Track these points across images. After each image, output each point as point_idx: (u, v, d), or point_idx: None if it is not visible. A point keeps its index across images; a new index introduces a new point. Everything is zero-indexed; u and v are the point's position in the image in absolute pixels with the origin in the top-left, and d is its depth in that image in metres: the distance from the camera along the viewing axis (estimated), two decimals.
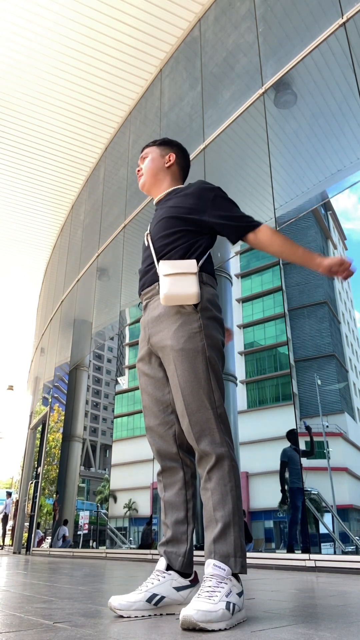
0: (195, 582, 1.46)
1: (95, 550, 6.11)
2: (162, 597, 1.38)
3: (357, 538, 3.02)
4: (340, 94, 3.86)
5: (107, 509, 5.99)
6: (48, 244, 11.70)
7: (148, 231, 1.69)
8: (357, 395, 3.32)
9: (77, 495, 7.28)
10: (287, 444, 3.54)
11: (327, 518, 3.23)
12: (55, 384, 9.43)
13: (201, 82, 5.81)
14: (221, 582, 1.24)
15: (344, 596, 1.77)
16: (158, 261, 1.56)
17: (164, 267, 1.49)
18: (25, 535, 9.99)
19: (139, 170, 1.81)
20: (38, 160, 8.81)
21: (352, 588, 2.06)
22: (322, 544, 3.20)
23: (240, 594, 1.25)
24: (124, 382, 6.67)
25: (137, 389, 6.30)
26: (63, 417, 8.64)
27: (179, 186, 1.76)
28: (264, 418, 4.03)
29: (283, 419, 3.63)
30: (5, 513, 14.16)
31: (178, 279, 1.45)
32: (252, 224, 1.55)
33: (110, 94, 7.47)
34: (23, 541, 10.17)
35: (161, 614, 1.37)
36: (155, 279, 1.58)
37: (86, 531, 6.71)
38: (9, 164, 8.87)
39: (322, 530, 3.23)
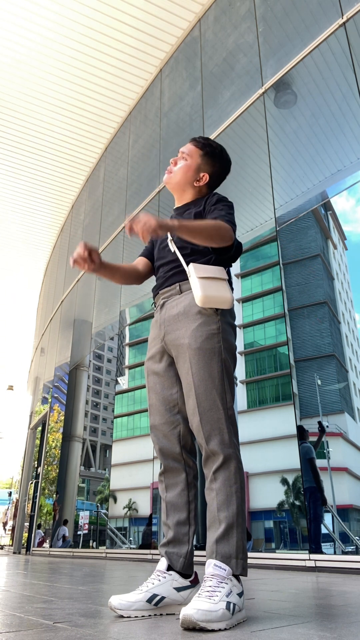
0: (195, 582, 1.46)
1: (95, 550, 6.11)
2: (163, 598, 1.38)
3: (357, 538, 3.02)
4: (340, 94, 3.86)
5: (107, 509, 5.99)
6: (48, 244, 11.70)
7: (169, 235, 1.65)
8: (357, 395, 3.32)
9: (77, 495, 7.28)
10: (287, 444, 3.53)
11: (327, 518, 3.23)
12: (55, 384, 9.43)
13: (201, 82, 5.81)
14: (222, 582, 1.24)
15: (344, 596, 1.77)
16: (187, 264, 1.54)
17: (198, 270, 1.48)
18: (26, 535, 10.00)
19: (172, 163, 1.74)
20: (38, 160, 8.81)
21: (352, 588, 2.06)
22: (322, 544, 3.20)
23: (240, 594, 1.25)
24: (124, 382, 6.67)
25: (137, 389, 6.29)
26: (63, 417, 8.64)
27: (199, 198, 1.72)
28: (264, 418, 4.03)
29: (283, 419, 3.63)
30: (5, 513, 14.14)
31: (213, 283, 1.47)
32: (221, 217, 1.52)
33: (110, 94, 7.47)
34: (23, 541, 10.17)
35: (161, 614, 1.36)
36: (176, 279, 1.58)
37: (86, 531, 6.71)
38: (9, 164, 8.87)
39: (322, 530, 3.23)
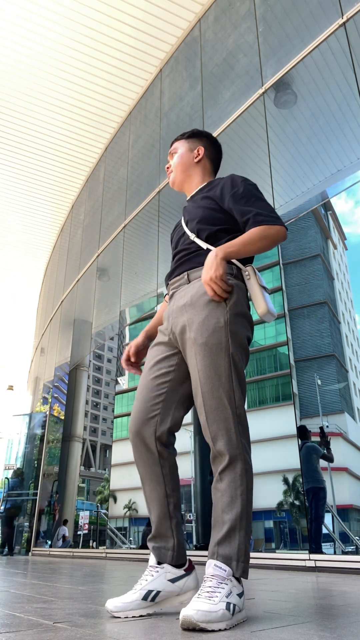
0: (190, 569, 1.44)
1: (95, 550, 6.11)
2: (158, 592, 1.36)
3: (357, 538, 3.02)
4: (340, 94, 3.86)
5: (107, 509, 5.99)
6: (48, 244, 11.70)
7: (183, 223, 1.63)
8: (357, 395, 3.32)
9: (77, 495, 7.28)
10: (287, 444, 3.53)
11: (327, 518, 3.23)
12: (55, 384, 9.43)
13: (201, 82, 5.81)
14: (222, 583, 1.23)
15: (344, 596, 1.77)
16: (212, 245, 1.51)
17: (259, 277, 1.49)
18: (26, 535, 9.99)
19: (168, 167, 1.75)
20: (38, 160, 8.81)
21: (352, 588, 2.06)
22: (322, 544, 3.20)
23: (240, 595, 1.25)
24: (124, 382, 6.67)
25: (137, 389, 6.30)
26: (63, 417, 8.64)
27: (211, 180, 1.70)
28: (264, 418, 4.03)
29: (283, 419, 3.63)
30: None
31: (266, 294, 1.48)
32: (256, 220, 1.47)
33: (110, 94, 7.47)
34: (23, 541, 10.16)
35: (160, 609, 1.37)
36: (185, 268, 1.53)
37: (86, 531, 6.71)
38: (9, 164, 8.87)
39: (322, 530, 3.23)
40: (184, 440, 4.66)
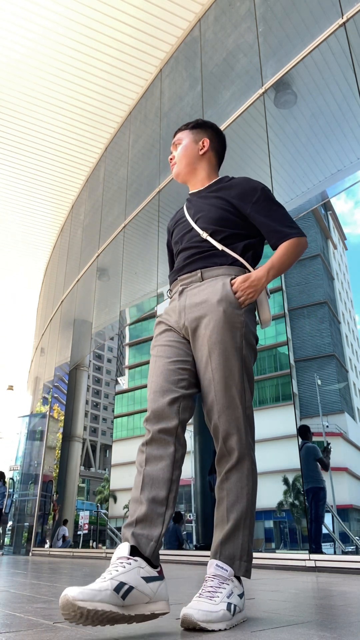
0: (162, 575, 1.19)
1: (95, 550, 6.11)
2: (131, 588, 1.07)
3: (357, 538, 3.02)
4: (340, 94, 3.86)
5: (107, 509, 5.98)
6: (48, 244, 11.70)
7: (188, 217, 1.60)
8: (357, 395, 3.32)
9: (77, 495, 7.28)
10: (287, 444, 3.53)
11: (327, 518, 3.23)
12: (55, 384, 9.43)
13: (201, 82, 5.81)
14: (223, 583, 1.23)
15: (344, 596, 1.77)
16: (227, 247, 1.52)
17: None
18: (25, 535, 9.99)
19: (171, 159, 1.71)
20: (38, 160, 8.81)
21: (352, 588, 2.06)
22: (322, 544, 3.19)
23: (241, 595, 1.25)
24: (124, 382, 6.67)
25: (137, 389, 6.30)
26: (63, 417, 8.64)
27: (222, 177, 1.68)
28: (264, 418, 4.03)
29: (283, 419, 3.63)
30: (5, 513, 14.15)
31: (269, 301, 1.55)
32: (284, 234, 1.50)
33: (110, 94, 7.47)
34: (23, 541, 10.17)
35: (130, 615, 1.06)
36: (198, 266, 1.50)
37: (86, 531, 6.71)
38: (9, 164, 8.87)
39: (322, 530, 3.23)
40: None
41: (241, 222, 1.54)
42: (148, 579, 1.12)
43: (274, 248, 1.51)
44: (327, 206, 3.85)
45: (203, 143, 1.69)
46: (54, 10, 6.19)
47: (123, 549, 1.15)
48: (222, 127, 5.20)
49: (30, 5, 6.14)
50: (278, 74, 4.55)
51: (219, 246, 1.50)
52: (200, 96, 5.77)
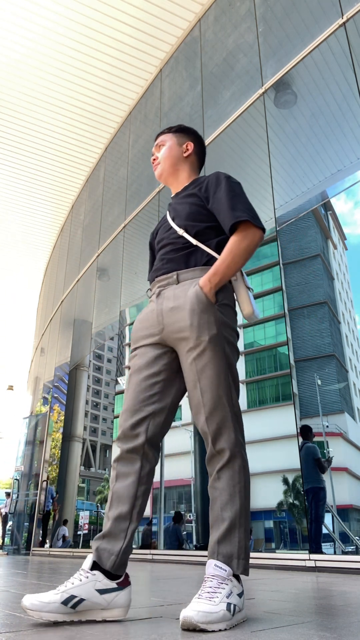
0: (124, 585, 1.31)
1: None
2: (81, 600, 1.22)
3: (357, 538, 3.02)
4: (340, 94, 3.86)
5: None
6: (48, 244, 11.70)
7: (169, 218, 1.62)
8: (357, 395, 3.32)
9: (77, 495, 7.28)
10: (287, 443, 3.54)
11: (327, 518, 3.23)
12: (55, 384, 9.43)
13: (201, 82, 5.81)
14: (222, 583, 1.23)
15: (344, 596, 1.77)
16: (201, 242, 1.53)
17: (246, 278, 1.54)
18: (25, 535, 9.99)
19: (154, 160, 1.75)
20: (38, 160, 8.81)
21: (352, 588, 2.06)
22: (322, 544, 3.20)
23: (240, 595, 1.25)
24: (124, 382, 6.67)
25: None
26: (63, 417, 8.64)
27: (198, 177, 1.71)
28: (264, 418, 4.03)
29: (283, 419, 3.63)
30: (5, 513, 14.16)
31: (252, 295, 1.54)
32: (234, 217, 1.45)
33: (110, 94, 7.47)
34: (23, 541, 10.16)
35: (79, 620, 1.23)
36: (174, 267, 1.52)
37: (86, 531, 6.71)
38: (9, 164, 8.87)
39: (322, 530, 3.23)
40: (184, 440, 4.66)
41: (212, 215, 1.55)
42: (103, 591, 1.26)
43: (230, 234, 1.48)
44: (327, 206, 3.85)
45: (187, 146, 1.74)
46: (54, 10, 6.19)
47: (87, 562, 1.31)
48: (222, 127, 5.21)
49: (30, 5, 6.14)
50: (278, 74, 4.55)
51: (194, 241, 1.52)
52: (200, 96, 5.77)
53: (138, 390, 1.46)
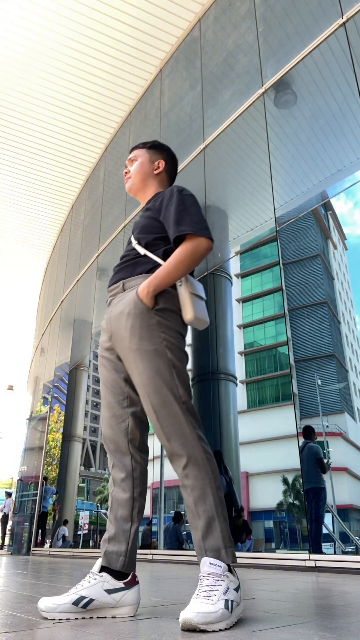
0: (131, 584, 1.40)
1: (95, 550, 6.11)
2: (91, 600, 1.34)
3: (357, 538, 3.02)
4: (340, 94, 3.86)
5: (107, 509, 5.98)
6: (48, 244, 11.70)
7: (132, 232, 1.70)
8: (357, 395, 3.32)
9: (77, 495, 7.28)
10: (287, 443, 3.53)
11: (327, 518, 3.23)
12: (55, 384, 9.43)
13: (201, 82, 5.81)
14: (218, 580, 1.24)
15: (344, 596, 1.77)
16: (151, 252, 1.59)
17: (193, 285, 1.55)
18: (25, 535, 9.99)
19: (126, 172, 1.81)
20: (38, 160, 8.81)
21: (352, 588, 2.06)
22: (322, 544, 3.19)
23: (237, 589, 1.26)
24: None
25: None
26: (63, 417, 8.64)
27: (159, 192, 1.74)
28: (264, 418, 4.03)
29: (283, 419, 3.63)
30: (5, 513, 14.16)
31: (200, 302, 1.55)
32: (180, 231, 1.48)
33: (110, 94, 7.47)
34: (23, 541, 10.16)
35: (90, 617, 1.33)
36: (121, 276, 1.58)
37: (86, 531, 6.71)
38: (9, 164, 8.87)
39: (323, 530, 3.23)
40: None
41: (162, 226, 1.60)
42: (111, 591, 1.36)
43: (175, 247, 1.52)
44: (327, 206, 3.85)
45: (158, 164, 1.80)
46: (54, 10, 6.19)
47: (96, 565, 1.41)
48: (222, 127, 5.21)
49: (30, 5, 6.14)
50: (278, 74, 4.55)
51: (142, 251, 1.57)
52: (200, 96, 5.77)
53: (108, 398, 1.55)
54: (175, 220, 1.51)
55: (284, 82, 4.52)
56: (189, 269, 1.48)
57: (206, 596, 1.18)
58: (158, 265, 1.54)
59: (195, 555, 1.54)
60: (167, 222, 1.55)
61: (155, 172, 1.78)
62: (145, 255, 1.56)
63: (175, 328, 1.49)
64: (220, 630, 1.13)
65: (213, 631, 1.12)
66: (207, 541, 1.30)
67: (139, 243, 1.59)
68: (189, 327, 3.74)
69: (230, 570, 1.28)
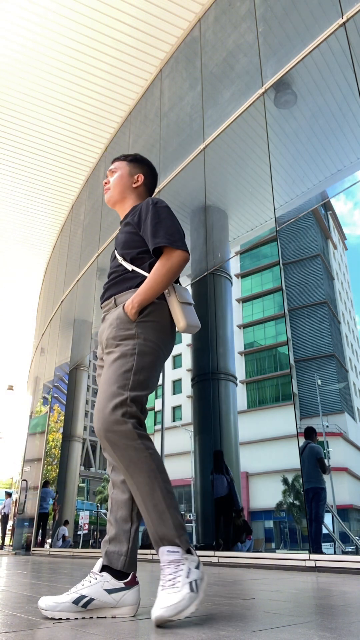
0: (131, 584, 1.40)
1: (95, 550, 6.11)
2: (91, 600, 1.34)
3: (357, 538, 3.02)
4: (340, 94, 3.86)
5: (107, 509, 5.98)
6: (48, 244, 11.70)
7: (114, 248, 1.72)
8: (357, 395, 3.32)
9: (77, 495, 7.28)
10: (287, 444, 3.54)
11: (327, 518, 3.23)
12: (55, 384, 9.43)
13: (201, 82, 5.81)
14: (179, 565, 1.25)
15: (344, 596, 1.77)
16: (137, 266, 1.62)
17: (180, 293, 1.58)
18: (26, 535, 9.99)
19: (106, 183, 1.83)
20: (38, 160, 8.81)
21: (352, 588, 2.06)
22: (322, 544, 3.20)
23: (197, 566, 1.27)
24: None
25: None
26: (63, 417, 8.64)
27: (135, 205, 1.76)
28: (264, 418, 4.03)
29: (283, 419, 3.63)
30: (5, 513, 14.16)
31: (190, 309, 1.58)
32: (156, 244, 1.52)
33: (110, 94, 7.47)
34: (23, 541, 10.17)
35: (90, 617, 1.32)
36: (112, 292, 1.61)
37: (86, 531, 6.71)
38: (9, 164, 8.87)
39: (322, 530, 3.23)
40: (184, 440, 4.66)
41: (144, 241, 1.62)
42: (111, 591, 1.36)
43: (156, 259, 1.56)
44: (327, 206, 3.85)
45: (138, 178, 1.81)
46: (54, 10, 6.19)
47: (97, 565, 1.42)
48: (222, 127, 5.20)
49: (30, 5, 6.14)
50: (278, 74, 4.55)
51: (129, 267, 1.60)
52: (200, 96, 5.77)
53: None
54: (151, 233, 1.54)
55: (284, 82, 4.51)
56: (170, 281, 1.51)
57: (171, 584, 1.21)
58: (144, 279, 1.57)
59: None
60: (145, 235, 1.59)
61: (134, 185, 1.80)
62: (132, 271, 1.60)
63: (152, 339, 1.50)
64: (192, 612, 1.19)
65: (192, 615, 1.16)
66: (160, 532, 1.31)
67: (125, 259, 1.62)
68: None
69: (188, 552, 1.29)
